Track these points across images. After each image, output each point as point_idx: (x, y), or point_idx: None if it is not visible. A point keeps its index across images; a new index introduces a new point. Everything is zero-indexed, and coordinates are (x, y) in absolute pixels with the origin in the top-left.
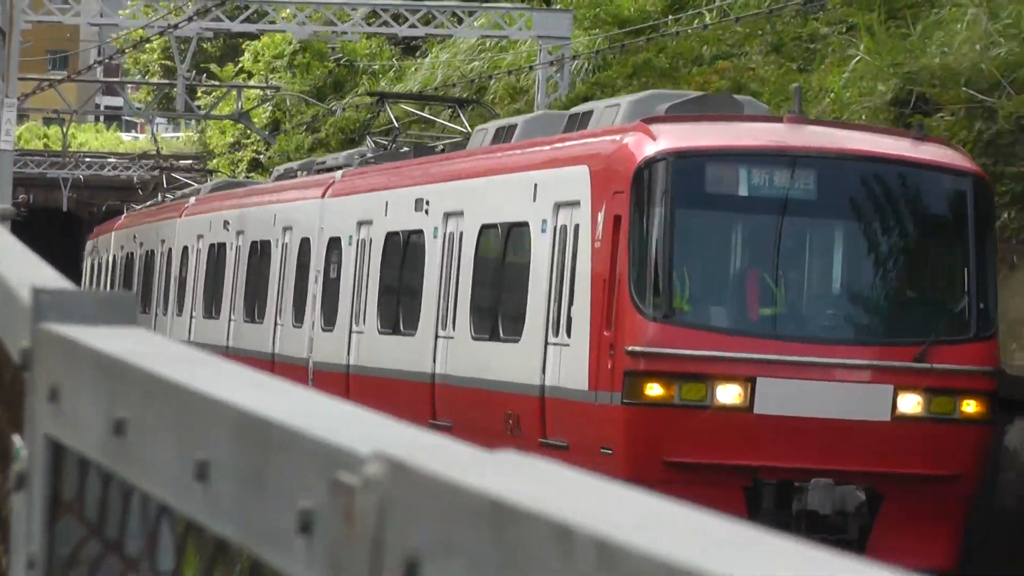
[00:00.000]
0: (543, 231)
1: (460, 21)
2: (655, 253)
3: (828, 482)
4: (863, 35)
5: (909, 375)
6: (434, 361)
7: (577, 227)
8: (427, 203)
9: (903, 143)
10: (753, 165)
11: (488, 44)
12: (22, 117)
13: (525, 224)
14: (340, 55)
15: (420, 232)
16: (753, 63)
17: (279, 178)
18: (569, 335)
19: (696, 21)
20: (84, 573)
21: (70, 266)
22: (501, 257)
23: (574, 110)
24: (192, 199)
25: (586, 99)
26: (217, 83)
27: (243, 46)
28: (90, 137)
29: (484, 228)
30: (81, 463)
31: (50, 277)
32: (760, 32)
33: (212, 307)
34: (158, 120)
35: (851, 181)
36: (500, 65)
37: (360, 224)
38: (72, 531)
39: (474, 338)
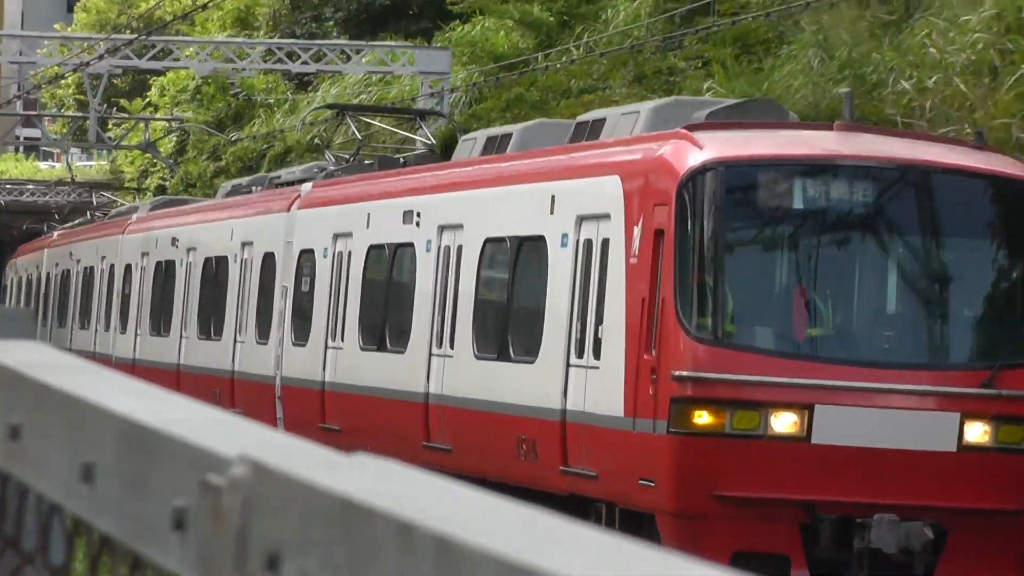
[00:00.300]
0: (563, 245)
1: (348, 58)
2: (704, 270)
3: (893, 518)
4: (717, 69)
5: (976, 402)
6: (427, 380)
7: (606, 242)
8: (418, 215)
9: (961, 152)
10: (808, 176)
11: (373, 79)
12: None
13: (541, 238)
14: (239, 89)
15: (410, 245)
16: (617, 95)
17: (229, 194)
18: (598, 357)
19: (564, 57)
20: None
21: None
22: (511, 272)
23: (581, 118)
24: (134, 216)
25: (466, 131)
26: (127, 116)
27: (150, 81)
28: (10, 166)
29: (489, 242)
30: None
31: None
32: (623, 65)
33: (160, 324)
34: (72, 150)
35: (911, 192)
36: (386, 98)
37: (337, 237)
38: None
39: (478, 357)
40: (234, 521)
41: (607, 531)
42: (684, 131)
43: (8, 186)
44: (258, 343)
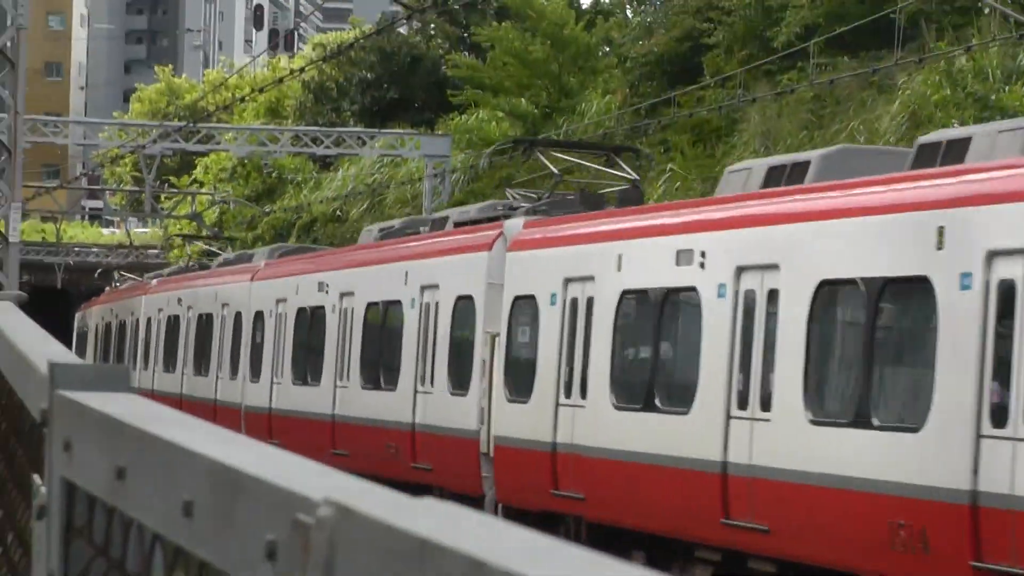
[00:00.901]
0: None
1: (363, 143)
2: None
3: None
4: (676, 153)
5: None
6: (724, 447)
7: None
8: (701, 255)
9: None
10: None
11: (385, 161)
12: (24, 216)
13: (692, 289)
14: (271, 169)
15: (691, 289)
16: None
17: (379, 238)
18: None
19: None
20: None
21: (64, 332)
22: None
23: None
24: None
25: (461, 203)
26: (176, 190)
27: (195, 161)
28: (77, 231)
29: (826, 284)
30: (89, 499)
31: (60, 352)
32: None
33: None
34: (130, 218)
35: None
36: (395, 177)
37: (569, 281)
38: (82, 553)
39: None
40: (321, 555)
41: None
42: None
43: (76, 249)
44: (452, 394)
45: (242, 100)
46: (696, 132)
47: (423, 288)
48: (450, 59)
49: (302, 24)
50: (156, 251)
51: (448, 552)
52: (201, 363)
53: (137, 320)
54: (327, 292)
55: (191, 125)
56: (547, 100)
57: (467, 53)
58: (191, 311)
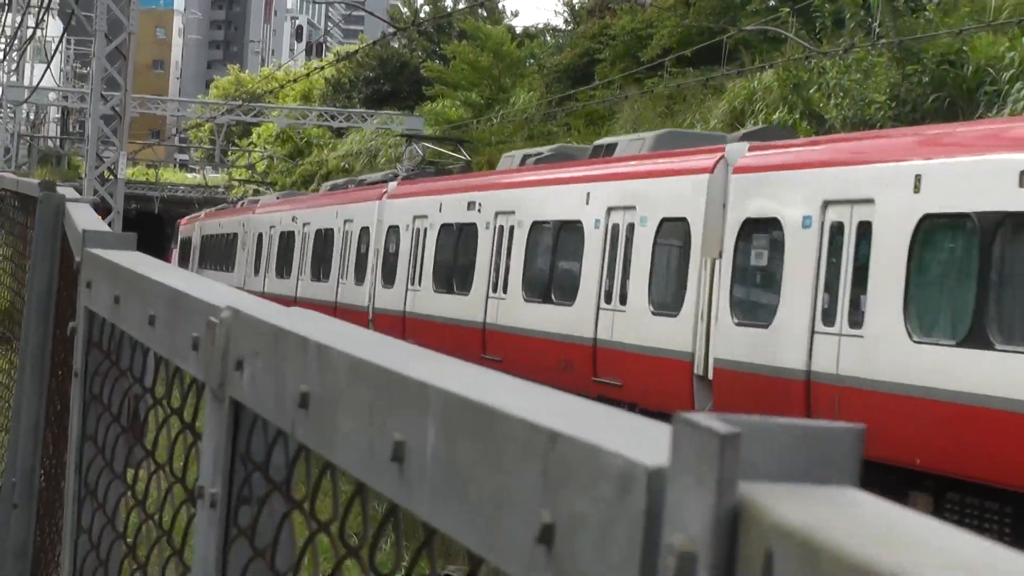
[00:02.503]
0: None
1: (365, 120)
2: None
3: None
4: (575, 131)
5: None
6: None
7: None
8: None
9: None
10: None
11: (379, 132)
12: (134, 163)
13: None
14: (303, 136)
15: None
16: (517, 146)
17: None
18: None
19: (488, 123)
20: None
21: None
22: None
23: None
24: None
25: (431, 162)
26: (238, 148)
27: (252, 130)
28: (170, 175)
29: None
30: (100, 320)
31: (94, 223)
32: (522, 128)
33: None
34: (206, 167)
35: None
36: (386, 143)
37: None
38: (97, 359)
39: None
40: (221, 342)
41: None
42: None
43: (169, 187)
44: (655, 314)
45: (282, 87)
46: (588, 118)
47: (611, 210)
48: (426, 65)
49: (328, 38)
50: (222, 189)
51: (291, 335)
52: (320, 270)
53: (248, 234)
54: (479, 210)
55: (249, 104)
56: (489, 94)
57: (437, 61)
58: (307, 227)
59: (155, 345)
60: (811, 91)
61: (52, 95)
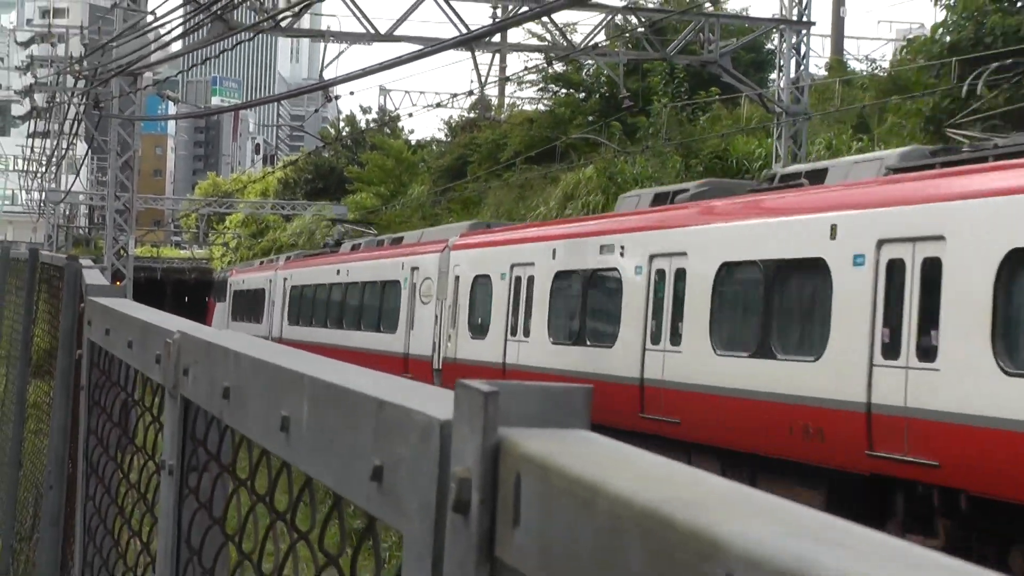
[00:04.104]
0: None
1: (306, 208)
2: None
3: None
4: (454, 213)
5: None
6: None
7: None
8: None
9: None
10: None
11: (315, 217)
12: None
13: None
14: (262, 221)
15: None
16: (417, 225)
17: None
18: None
19: (394, 207)
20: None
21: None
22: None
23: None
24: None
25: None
26: (216, 231)
27: (225, 217)
28: (168, 251)
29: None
30: (99, 348)
31: (97, 278)
32: (418, 210)
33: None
34: (194, 245)
35: None
36: (320, 224)
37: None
38: (96, 375)
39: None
40: (175, 357)
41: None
42: None
43: (168, 260)
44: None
45: (245, 187)
46: (463, 204)
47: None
48: (348, 168)
49: (278, 151)
50: (205, 261)
51: (217, 347)
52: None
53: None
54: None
55: (223, 199)
56: (393, 188)
57: (356, 165)
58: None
59: (132, 361)
60: (620, 179)
61: (81, 196)
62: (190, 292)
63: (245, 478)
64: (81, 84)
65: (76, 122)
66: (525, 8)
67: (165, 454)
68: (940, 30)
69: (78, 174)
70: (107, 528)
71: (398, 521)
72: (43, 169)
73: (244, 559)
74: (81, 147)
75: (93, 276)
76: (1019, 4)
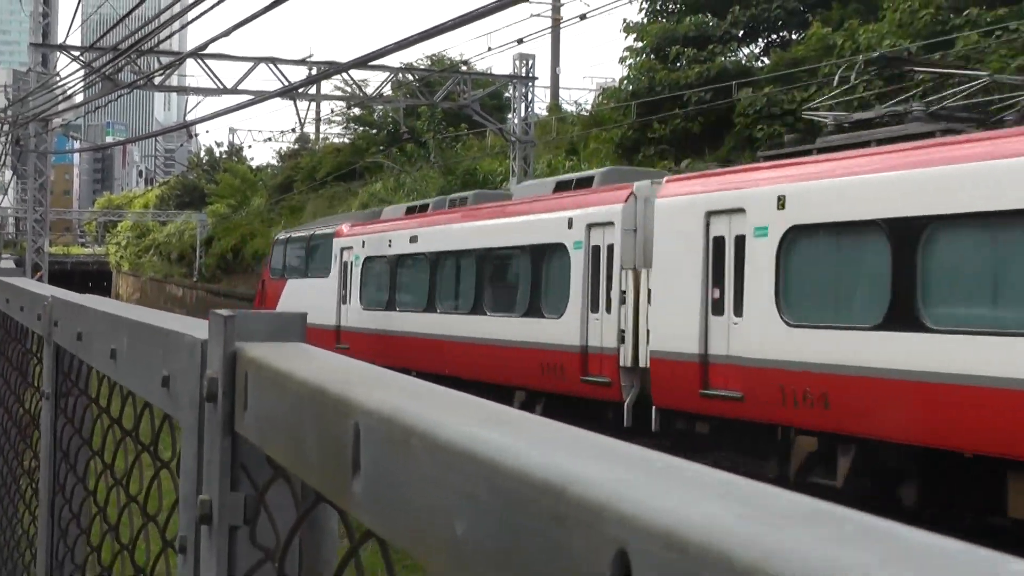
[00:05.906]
0: None
1: (176, 217)
2: None
3: None
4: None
5: None
6: None
7: None
8: None
9: None
10: None
11: (184, 223)
12: (53, 244)
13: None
14: (145, 227)
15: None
16: None
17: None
18: None
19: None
20: None
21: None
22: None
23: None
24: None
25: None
26: (110, 234)
27: (117, 223)
28: (76, 249)
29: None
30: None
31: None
32: None
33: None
34: (95, 245)
35: None
36: (188, 228)
37: None
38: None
39: None
40: (47, 317)
41: None
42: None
43: (75, 257)
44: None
45: (131, 201)
46: (291, 210)
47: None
48: (207, 186)
49: (156, 174)
50: (103, 256)
51: (83, 308)
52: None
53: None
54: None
55: (115, 211)
56: (240, 200)
57: (213, 184)
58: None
59: (23, 320)
60: (397, 193)
61: (9, 210)
62: (93, 279)
63: (95, 397)
64: (6, 128)
65: (3, 156)
66: (329, 68)
67: (44, 385)
68: (625, 82)
69: (5, 193)
70: (11, 444)
71: (177, 413)
72: None
73: (106, 469)
74: (7, 173)
75: (6, 266)
76: (679, 65)
